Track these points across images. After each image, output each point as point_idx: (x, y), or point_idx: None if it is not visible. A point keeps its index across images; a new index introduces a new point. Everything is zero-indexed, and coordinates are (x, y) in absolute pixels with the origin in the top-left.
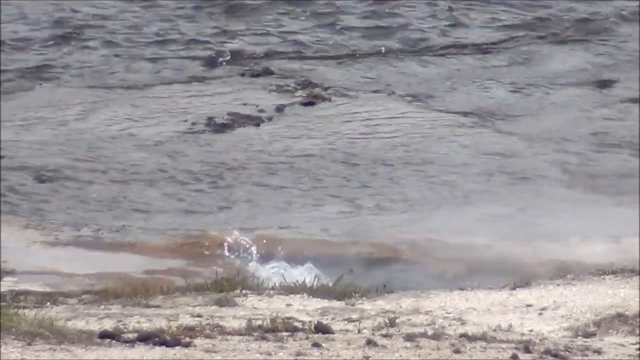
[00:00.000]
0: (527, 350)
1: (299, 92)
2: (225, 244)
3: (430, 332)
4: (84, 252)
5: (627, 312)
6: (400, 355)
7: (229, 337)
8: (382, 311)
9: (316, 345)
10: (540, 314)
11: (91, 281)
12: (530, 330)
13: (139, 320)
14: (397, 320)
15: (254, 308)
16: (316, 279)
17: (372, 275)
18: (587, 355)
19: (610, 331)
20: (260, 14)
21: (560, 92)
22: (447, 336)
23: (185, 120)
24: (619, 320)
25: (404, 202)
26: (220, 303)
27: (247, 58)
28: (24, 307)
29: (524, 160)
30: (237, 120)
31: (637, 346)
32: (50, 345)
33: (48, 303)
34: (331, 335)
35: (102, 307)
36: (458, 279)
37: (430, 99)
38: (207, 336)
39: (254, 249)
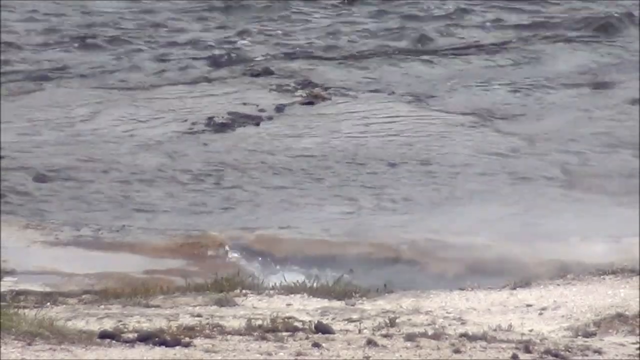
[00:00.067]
0: (527, 350)
1: (299, 92)
2: (226, 244)
3: (430, 332)
4: (84, 252)
5: (627, 312)
6: (401, 355)
7: (229, 337)
8: (383, 311)
9: (316, 345)
10: (541, 314)
11: (91, 281)
12: (531, 330)
13: (139, 320)
14: (397, 320)
15: (254, 308)
16: (316, 279)
17: (372, 275)
18: (587, 355)
19: (610, 331)
20: (261, 14)
21: (561, 92)
22: (447, 336)
23: (186, 120)
24: (619, 320)
25: (405, 202)
26: (220, 303)
27: (247, 58)
28: (24, 307)
29: (525, 160)
30: (237, 120)
31: (637, 346)
32: (50, 345)
33: (48, 303)
34: (331, 335)
35: (102, 307)
36: (458, 279)
37: (431, 99)
38: (207, 336)
39: (254, 249)
